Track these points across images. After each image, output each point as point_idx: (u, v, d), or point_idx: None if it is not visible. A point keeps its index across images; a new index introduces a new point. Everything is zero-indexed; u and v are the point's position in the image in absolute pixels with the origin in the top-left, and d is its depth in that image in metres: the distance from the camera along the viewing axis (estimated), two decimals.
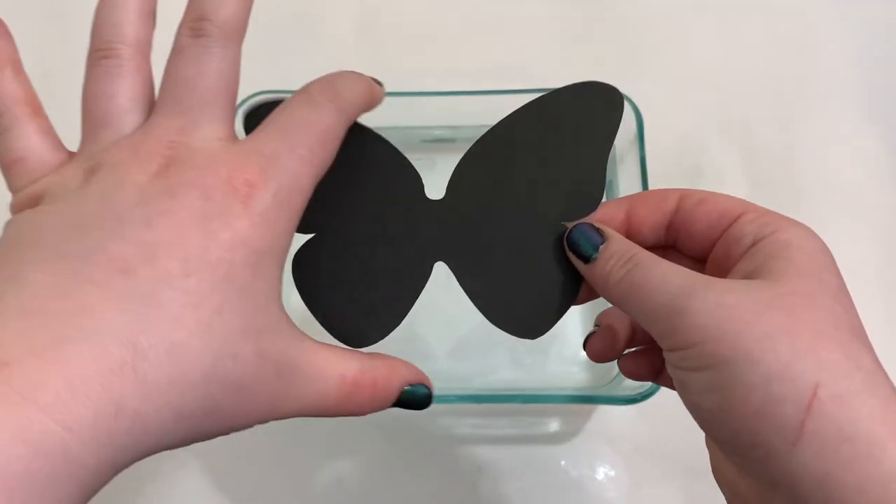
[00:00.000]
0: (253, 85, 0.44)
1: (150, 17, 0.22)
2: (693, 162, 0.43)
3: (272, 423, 0.36)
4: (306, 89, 0.21)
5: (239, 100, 0.40)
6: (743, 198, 0.42)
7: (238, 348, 0.18)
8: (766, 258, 0.21)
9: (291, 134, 0.20)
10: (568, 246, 0.24)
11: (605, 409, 0.39)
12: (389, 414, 0.39)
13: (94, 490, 0.16)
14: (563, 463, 0.38)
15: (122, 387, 0.16)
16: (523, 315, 0.25)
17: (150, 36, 0.22)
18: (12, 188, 0.21)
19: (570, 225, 0.24)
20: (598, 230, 0.23)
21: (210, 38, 0.21)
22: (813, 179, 0.43)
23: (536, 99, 0.25)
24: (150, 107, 0.21)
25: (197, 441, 0.18)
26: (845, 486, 0.17)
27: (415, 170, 0.26)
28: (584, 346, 0.27)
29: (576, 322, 0.40)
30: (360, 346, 0.25)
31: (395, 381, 0.22)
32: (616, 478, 0.38)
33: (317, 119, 0.20)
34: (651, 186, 0.37)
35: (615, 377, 0.38)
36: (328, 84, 0.22)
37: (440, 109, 0.41)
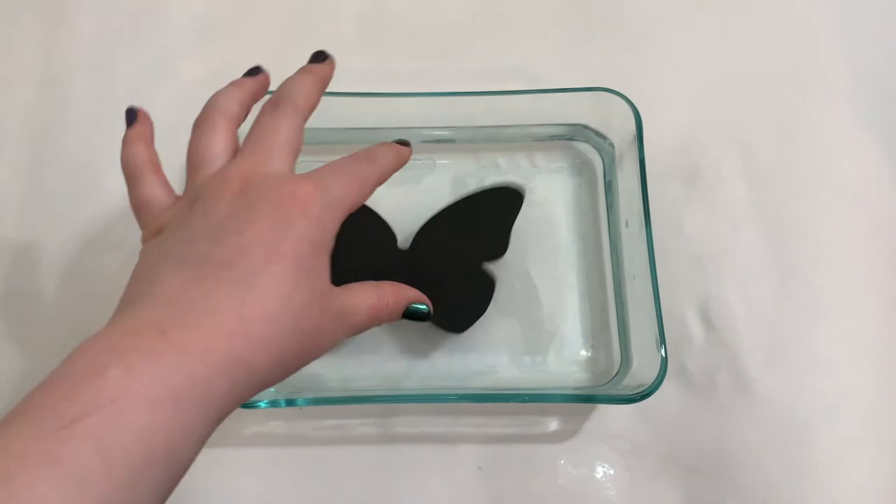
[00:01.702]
0: None
1: (247, 107, 0.31)
2: (692, 162, 0.43)
3: (270, 429, 0.35)
4: (354, 155, 0.30)
5: None
6: (742, 198, 0.42)
7: (310, 309, 0.26)
8: None
9: (339, 172, 0.28)
10: None
11: (604, 409, 0.39)
12: (388, 412, 0.39)
13: (225, 413, 0.24)
14: (562, 462, 0.38)
15: (239, 344, 0.23)
16: (454, 318, 0.38)
17: (244, 115, 0.30)
18: (141, 224, 0.29)
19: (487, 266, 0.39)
20: None
21: (283, 108, 0.29)
22: (811, 179, 0.43)
23: (470, 194, 0.40)
24: (230, 154, 0.29)
25: (289, 376, 0.26)
26: None
27: (391, 228, 0.40)
28: None
29: (575, 323, 0.40)
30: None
31: (402, 302, 0.31)
32: (615, 476, 0.38)
33: (357, 169, 0.29)
34: (650, 186, 0.37)
35: (615, 377, 0.38)
36: (370, 152, 0.31)
37: (440, 109, 0.41)
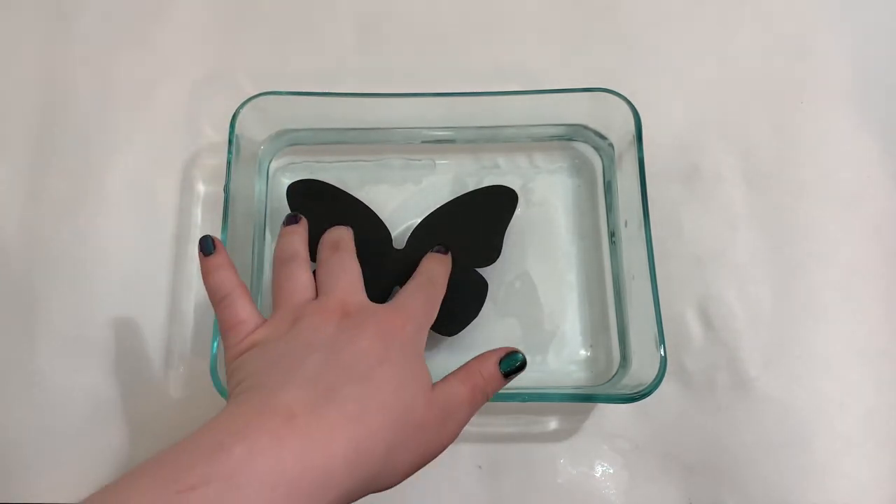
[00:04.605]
0: (255, 86, 0.44)
1: (307, 246, 0.36)
2: (691, 162, 0.43)
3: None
4: (419, 279, 0.35)
5: (243, 100, 0.41)
6: (741, 198, 0.43)
7: (416, 402, 0.29)
8: None
9: (416, 299, 0.33)
10: None
11: (603, 408, 0.39)
12: None
13: (349, 498, 0.26)
14: (562, 461, 0.38)
15: (357, 431, 0.26)
16: (446, 321, 0.37)
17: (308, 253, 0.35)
18: (231, 342, 0.31)
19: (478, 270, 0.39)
20: None
21: (343, 250, 0.35)
22: (811, 179, 0.43)
23: (464, 194, 0.40)
24: (313, 287, 0.33)
25: (399, 474, 0.29)
26: None
27: (386, 227, 0.40)
28: None
29: (574, 322, 0.40)
30: None
31: (493, 373, 0.32)
32: (614, 475, 0.38)
33: (428, 294, 0.34)
34: (649, 187, 0.37)
35: (614, 376, 0.38)
36: (429, 273, 0.35)
37: (440, 109, 0.41)
